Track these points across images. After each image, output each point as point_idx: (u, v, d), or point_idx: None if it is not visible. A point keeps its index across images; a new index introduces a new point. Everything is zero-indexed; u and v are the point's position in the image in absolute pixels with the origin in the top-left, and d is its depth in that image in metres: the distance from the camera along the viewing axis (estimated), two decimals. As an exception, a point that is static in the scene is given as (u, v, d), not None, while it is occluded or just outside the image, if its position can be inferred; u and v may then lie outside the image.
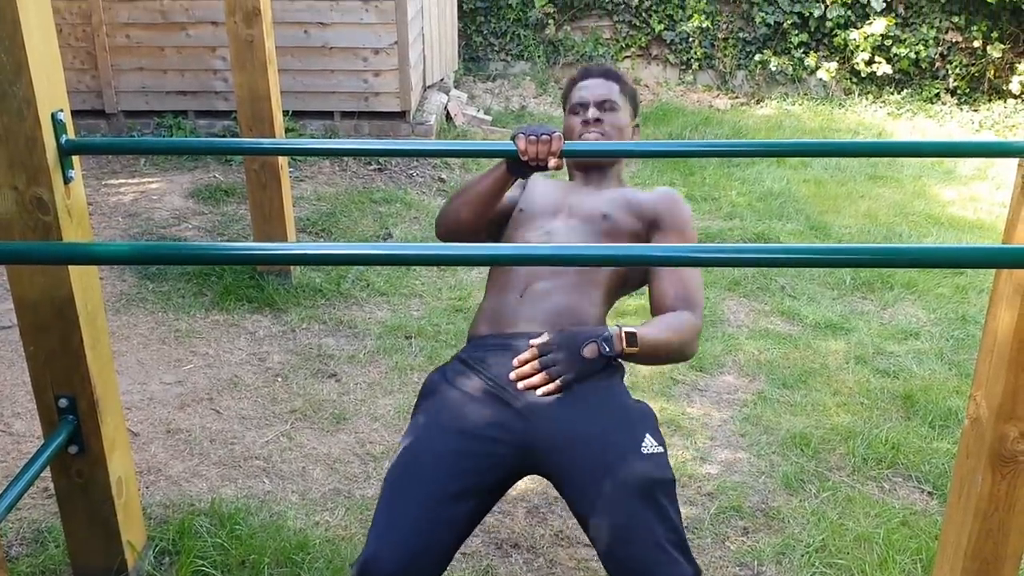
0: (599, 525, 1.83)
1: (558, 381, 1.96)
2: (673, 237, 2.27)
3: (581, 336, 2.01)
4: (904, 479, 3.17)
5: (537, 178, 2.43)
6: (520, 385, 1.98)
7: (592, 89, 2.41)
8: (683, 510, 2.91)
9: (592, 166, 2.44)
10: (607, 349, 1.99)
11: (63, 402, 2.16)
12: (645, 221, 2.28)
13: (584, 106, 2.39)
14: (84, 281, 2.10)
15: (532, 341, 2.02)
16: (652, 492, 1.83)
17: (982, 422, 2.04)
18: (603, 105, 2.39)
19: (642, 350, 2.01)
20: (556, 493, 2.83)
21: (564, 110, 2.50)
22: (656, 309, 2.20)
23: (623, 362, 2.15)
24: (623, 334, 2.00)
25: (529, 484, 2.95)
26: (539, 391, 1.96)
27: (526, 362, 2.00)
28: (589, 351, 1.98)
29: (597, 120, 2.36)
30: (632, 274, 2.30)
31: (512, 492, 2.85)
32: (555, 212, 2.33)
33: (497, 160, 2.27)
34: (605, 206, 2.28)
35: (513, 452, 1.95)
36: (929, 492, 3.10)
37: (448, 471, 1.90)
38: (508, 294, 2.19)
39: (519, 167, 2.19)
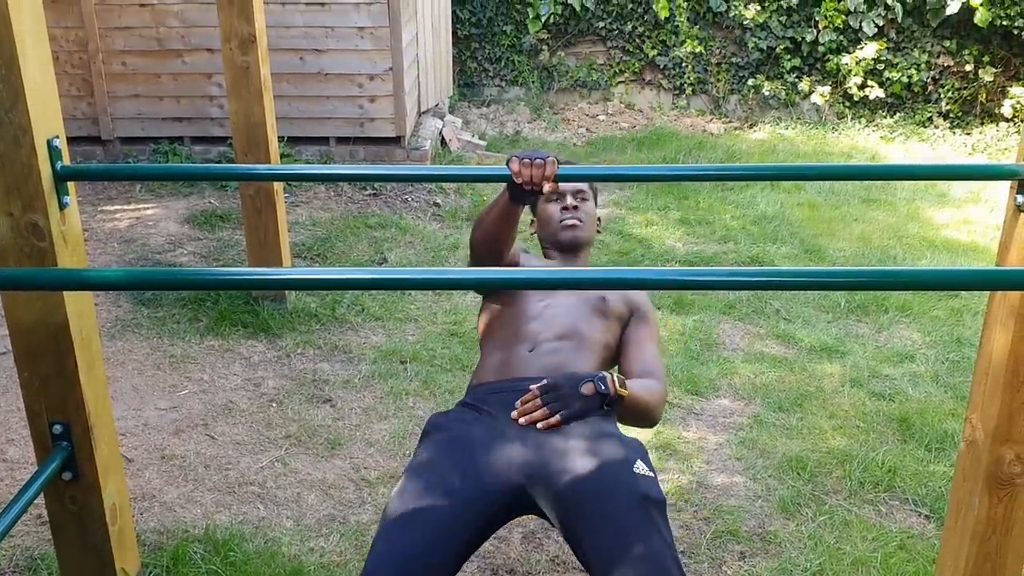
0: (594, 541, 1.89)
1: (559, 415, 2.08)
2: (645, 324, 2.54)
3: (580, 377, 2.15)
4: (901, 502, 3.17)
5: (531, 259, 2.65)
6: (522, 420, 2.10)
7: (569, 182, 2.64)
8: (679, 534, 2.91)
9: (570, 248, 2.67)
10: (603, 388, 2.12)
11: (57, 428, 2.15)
12: (630, 308, 2.54)
13: (561, 195, 2.65)
14: (79, 307, 2.10)
15: (533, 386, 2.15)
16: (646, 506, 1.92)
17: (978, 445, 2.05)
18: (577, 195, 2.68)
19: (629, 398, 2.17)
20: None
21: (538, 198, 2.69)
22: (627, 376, 2.38)
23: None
24: (615, 378, 2.16)
25: (525, 509, 2.94)
26: (540, 424, 2.08)
27: (528, 402, 2.13)
28: (587, 388, 2.12)
29: (575, 207, 2.64)
30: (616, 350, 2.50)
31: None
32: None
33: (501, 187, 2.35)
34: (603, 291, 2.52)
35: (513, 485, 2.02)
36: (926, 515, 3.09)
37: (449, 501, 1.95)
38: (518, 348, 2.35)
39: (518, 193, 2.22)
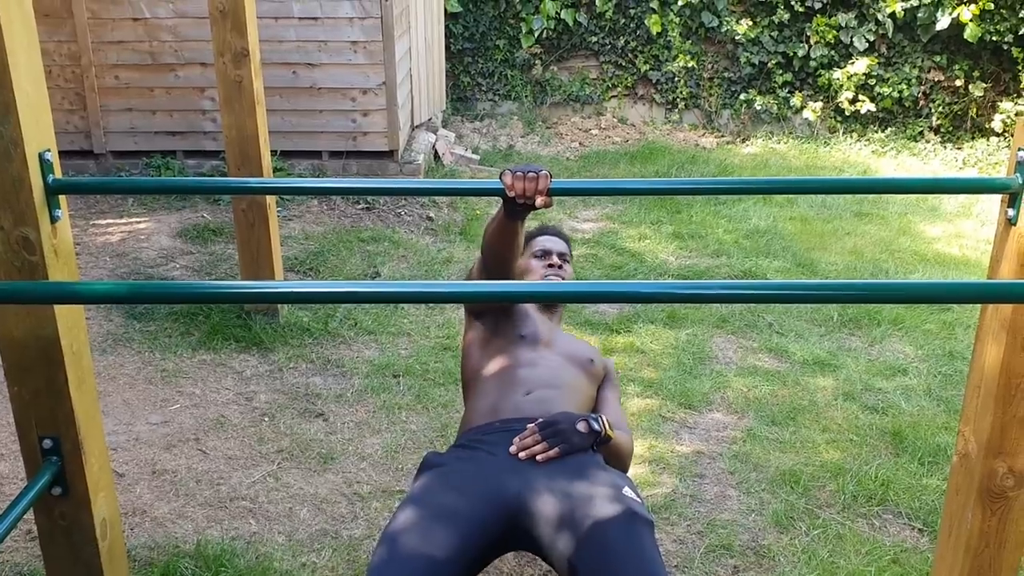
0: (588, 559, 1.94)
1: (557, 448, 2.20)
2: (613, 387, 2.76)
3: (576, 416, 2.30)
4: (894, 516, 3.16)
5: (529, 309, 2.75)
6: (522, 455, 2.19)
7: (555, 244, 2.90)
8: (672, 548, 2.91)
9: (552, 308, 2.85)
10: (597, 427, 2.28)
11: (47, 443, 2.13)
12: (605, 371, 2.76)
13: (548, 253, 2.85)
14: (70, 321, 2.09)
15: (529, 425, 2.26)
16: (635, 523, 2.01)
17: (971, 458, 2.04)
18: (562, 256, 2.88)
19: (614, 442, 2.35)
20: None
21: (523, 253, 2.84)
22: None
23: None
24: (606, 421, 2.33)
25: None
26: (539, 457, 2.18)
27: (527, 437, 2.23)
28: (583, 426, 2.27)
29: (560, 266, 2.82)
30: (593, 408, 2.65)
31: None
32: (547, 341, 2.66)
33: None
34: (589, 352, 2.74)
35: (510, 514, 2.08)
36: (920, 529, 3.09)
37: (446, 533, 1.98)
38: (512, 392, 2.45)
39: (513, 208, 2.22)
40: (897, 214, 6.89)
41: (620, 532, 1.97)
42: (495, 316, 2.69)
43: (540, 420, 2.26)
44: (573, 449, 2.21)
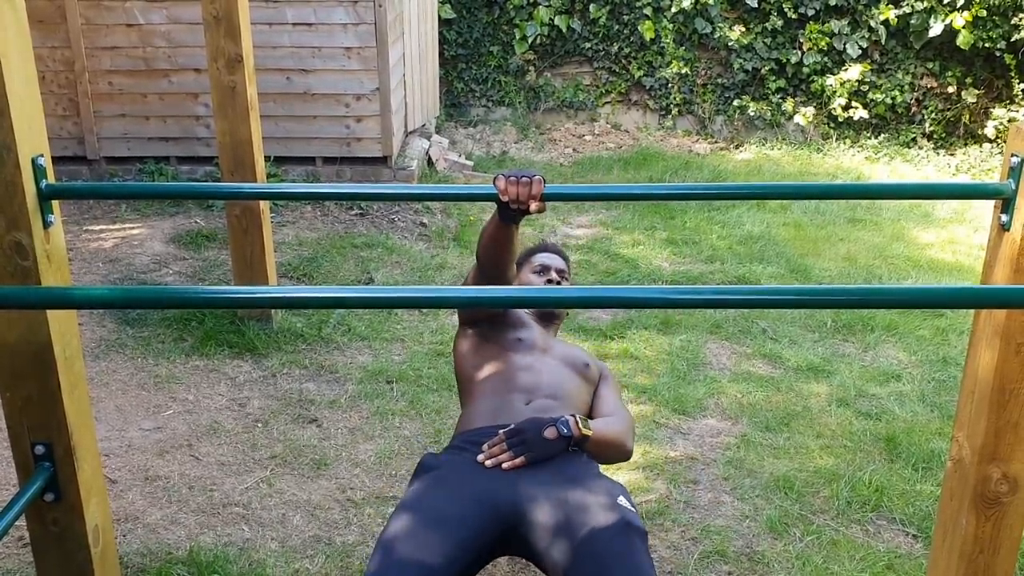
0: (579, 565, 1.95)
1: (521, 458, 2.19)
2: (608, 384, 2.72)
3: (543, 421, 2.27)
4: (888, 522, 3.16)
5: (526, 317, 2.76)
6: (489, 463, 2.19)
7: (554, 260, 2.90)
8: (667, 554, 2.90)
9: (547, 317, 2.83)
10: (565, 431, 2.24)
11: (39, 449, 2.12)
12: (600, 374, 2.73)
13: (547, 269, 2.84)
14: (62, 326, 2.08)
15: (501, 431, 2.26)
16: (628, 532, 2.01)
17: (965, 463, 2.05)
18: (561, 273, 2.87)
19: (595, 436, 2.30)
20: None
21: (520, 268, 2.88)
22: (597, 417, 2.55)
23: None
24: (579, 419, 2.28)
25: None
26: (505, 465, 2.18)
27: (494, 445, 2.23)
28: (550, 433, 2.24)
29: (558, 282, 2.80)
30: (589, 410, 2.62)
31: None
32: (543, 348, 2.66)
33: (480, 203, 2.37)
34: (585, 357, 2.72)
35: (504, 519, 2.09)
36: (914, 535, 3.09)
37: (442, 539, 1.98)
38: (513, 398, 2.44)
39: (506, 213, 2.22)
40: (890, 220, 6.90)
41: (614, 543, 1.98)
42: (491, 322, 2.69)
43: (508, 428, 2.27)
44: (541, 457, 2.21)
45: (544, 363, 2.59)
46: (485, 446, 2.24)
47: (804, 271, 5.70)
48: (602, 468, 2.38)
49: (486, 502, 2.09)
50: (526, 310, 2.79)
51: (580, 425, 2.27)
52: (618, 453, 2.44)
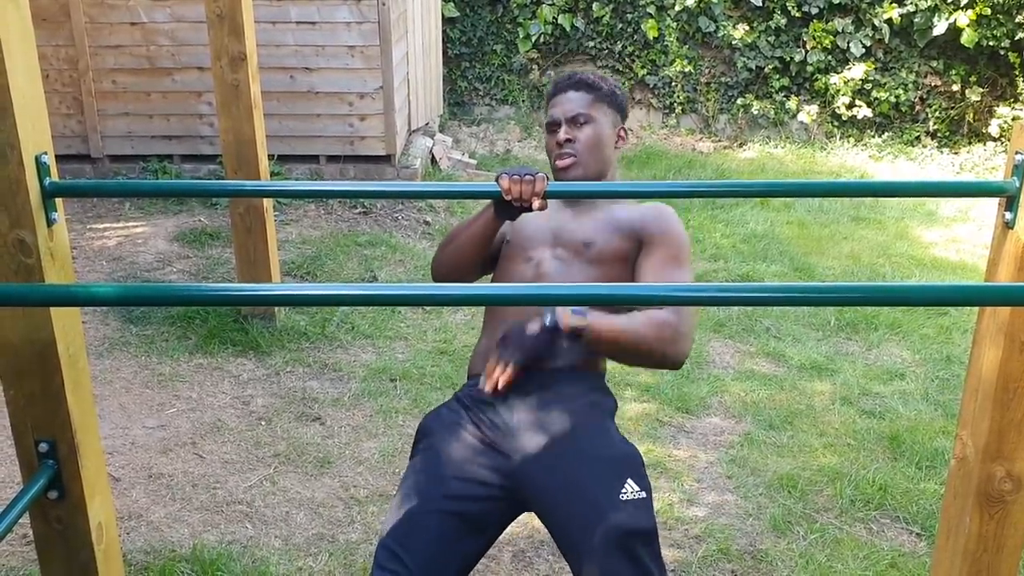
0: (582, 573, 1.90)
1: (509, 366, 1.99)
2: (661, 251, 2.17)
3: (524, 321, 2.04)
4: (892, 520, 3.16)
5: (534, 220, 2.33)
6: (488, 389, 2.00)
7: (563, 104, 2.30)
8: (670, 553, 2.90)
9: (575, 201, 2.36)
10: (548, 321, 1.98)
11: (43, 447, 2.12)
12: (633, 240, 2.20)
13: (556, 124, 2.29)
14: (66, 324, 2.08)
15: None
16: (628, 544, 1.88)
17: (969, 462, 2.04)
18: (575, 120, 2.28)
19: (598, 331, 1.98)
20: (542, 537, 2.82)
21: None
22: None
23: (613, 394, 2.23)
24: (570, 311, 1.97)
25: (515, 528, 2.93)
26: (500, 382, 1.98)
27: (490, 375, 2.01)
28: (533, 326, 2.00)
29: (568, 140, 2.26)
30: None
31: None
32: (541, 241, 2.27)
33: (485, 203, 2.26)
34: (589, 233, 2.22)
35: (505, 494, 2.04)
36: (917, 533, 3.09)
37: (446, 512, 1.97)
38: (508, 320, 2.16)
39: (505, 209, 2.17)
40: (894, 219, 6.89)
41: (609, 561, 1.86)
42: (496, 263, 2.35)
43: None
44: (530, 355, 1.99)
45: (539, 268, 2.23)
46: (483, 377, 2.04)
47: (808, 269, 5.69)
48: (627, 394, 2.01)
49: (485, 483, 2.03)
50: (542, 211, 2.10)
51: (570, 315, 1.96)
52: (640, 356, 2.08)
